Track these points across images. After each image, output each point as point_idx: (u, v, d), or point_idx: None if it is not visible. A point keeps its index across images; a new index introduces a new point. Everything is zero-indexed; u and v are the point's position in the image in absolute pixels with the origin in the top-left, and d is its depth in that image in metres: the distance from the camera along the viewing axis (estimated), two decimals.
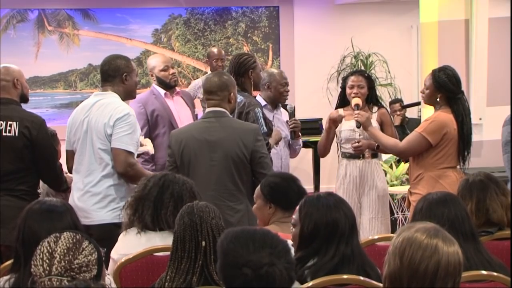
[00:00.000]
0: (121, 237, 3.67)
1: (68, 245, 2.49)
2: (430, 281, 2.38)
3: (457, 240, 3.15)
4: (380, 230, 5.53)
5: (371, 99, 5.68)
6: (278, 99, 5.75)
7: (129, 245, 3.58)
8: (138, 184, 3.71)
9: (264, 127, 5.06)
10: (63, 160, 4.79)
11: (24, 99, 4.72)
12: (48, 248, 2.48)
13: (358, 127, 5.38)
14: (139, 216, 3.58)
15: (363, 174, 5.59)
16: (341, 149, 5.72)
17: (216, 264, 2.80)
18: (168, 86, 5.61)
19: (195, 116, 5.77)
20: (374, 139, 5.34)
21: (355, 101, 5.50)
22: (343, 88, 5.70)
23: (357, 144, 5.50)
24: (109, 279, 3.21)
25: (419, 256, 2.39)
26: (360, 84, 5.58)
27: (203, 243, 2.91)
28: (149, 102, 5.11)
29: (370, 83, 5.69)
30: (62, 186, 4.80)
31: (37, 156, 4.57)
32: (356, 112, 5.38)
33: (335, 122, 5.57)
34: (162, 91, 5.57)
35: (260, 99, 5.61)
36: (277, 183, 3.79)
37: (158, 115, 5.25)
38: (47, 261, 2.45)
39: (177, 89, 5.78)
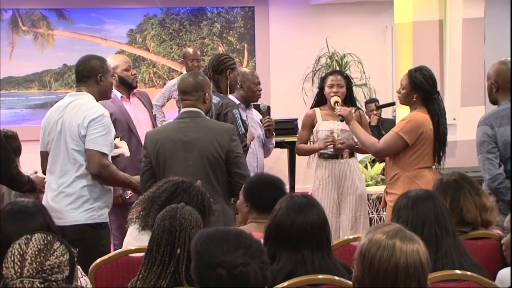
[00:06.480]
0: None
1: (39, 246, 2.46)
2: (392, 283, 2.37)
3: (441, 236, 3.22)
4: (364, 228, 5.54)
5: (349, 100, 5.70)
6: (251, 98, 5.74)
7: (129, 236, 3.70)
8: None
9: (242, 128, 5.06)
10: (27, 159, 4.69)
11: None
12: (19, 250, 2.46)
13: (342, 121, 5.39)
14: (144, 215, 3.58)
15: (343, 174, 5.62)
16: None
17: (186, 269, 2.80)
18: (130, 86, 5.52)
19: (153, 117, 5.71)
20: (355, 135, 5.35)
21: (334, 99, 5.52)
22: (321, 88, 5.72)
23: (340, 145, 5.53)
24: (85, 280, 3.19)
25: (377, 259, 2.38)
26: (339, 83, 5.62)
27: (178, 250, 2.85)
28: (105, 106, 4.94)
29: (349, 83, 5.73)
30: (22, 187, 4.60)
31: None
32: (338, 108, 5.40)
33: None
34: (118, 94, 5.42)
35: (233, 98, 5.54)
36: (254, 183, 3.82)
37: (116, 119, 5.07)
38: (18, 263, 2.42)
39: (134, 90, 5.63)
